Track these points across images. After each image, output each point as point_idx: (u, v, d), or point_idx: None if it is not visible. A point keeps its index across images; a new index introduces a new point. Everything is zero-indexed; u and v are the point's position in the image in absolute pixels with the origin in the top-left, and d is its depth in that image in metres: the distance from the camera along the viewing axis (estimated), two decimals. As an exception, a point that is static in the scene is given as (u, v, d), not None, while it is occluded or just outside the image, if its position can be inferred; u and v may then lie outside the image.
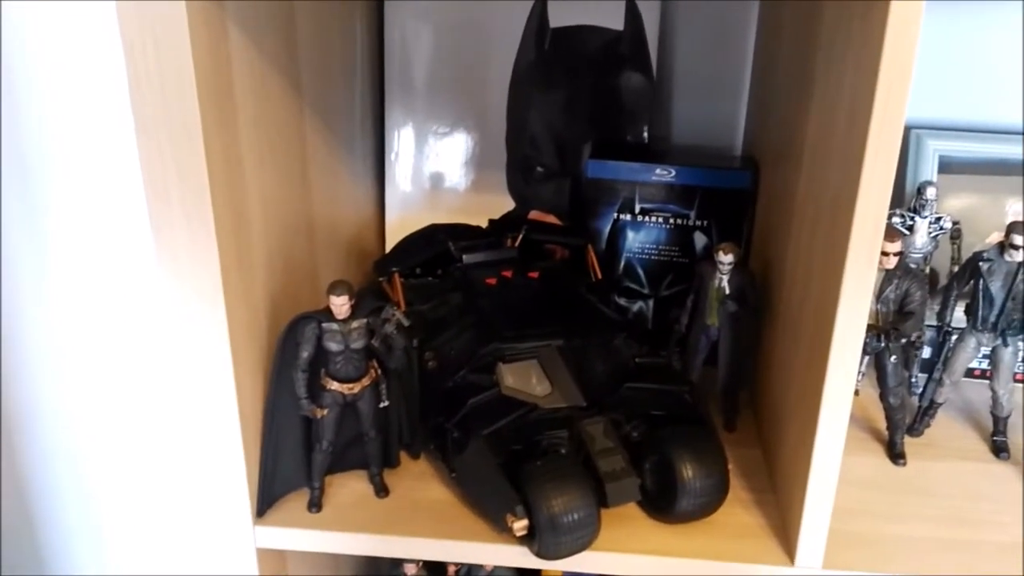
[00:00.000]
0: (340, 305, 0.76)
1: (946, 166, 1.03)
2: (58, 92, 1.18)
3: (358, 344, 0.77)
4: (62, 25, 1.15)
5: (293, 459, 0.81)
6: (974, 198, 1.03)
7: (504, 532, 0.74)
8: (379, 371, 0.81)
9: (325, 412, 0.79)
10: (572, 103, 1.09)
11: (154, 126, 0.65)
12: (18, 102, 1.19)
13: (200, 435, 0.75)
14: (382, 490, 0.83)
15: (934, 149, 1.03)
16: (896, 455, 0.88)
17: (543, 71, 1.08)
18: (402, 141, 1.13)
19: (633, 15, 1.06)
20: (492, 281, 0.93)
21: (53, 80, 1.18)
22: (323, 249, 0.94)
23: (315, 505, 0.81)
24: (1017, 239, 0.82)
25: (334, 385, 0.78)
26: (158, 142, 0.66)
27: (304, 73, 0.85)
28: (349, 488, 0.84)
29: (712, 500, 0.76)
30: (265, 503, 0.80)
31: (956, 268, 0.96)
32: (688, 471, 0.75)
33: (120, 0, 0.61)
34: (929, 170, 1.03)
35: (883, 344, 0.84)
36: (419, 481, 0.85)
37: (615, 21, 1.07)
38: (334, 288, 0.76)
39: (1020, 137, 1.04)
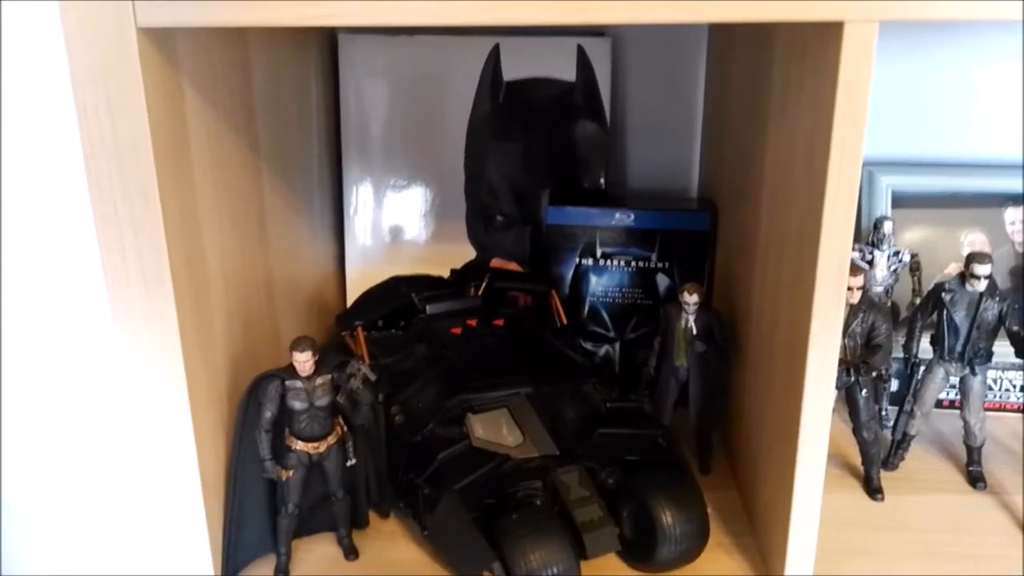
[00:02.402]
0: (304, 362, 0.74)
1: (899, 200, 1.05)
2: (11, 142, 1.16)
3: (323, 401, 0.76)
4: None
5: (258, 524, 0.79)
6: (928, 231, 1.04)
7: (482, 590, 0.72)
8: (345, 428, 0.79)
9: (290, 473, 0.76)
10: (529, 153, 1.09)
11: (109, 187, 0.64)
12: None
13: (160, 502, 0.72)
14: (351, 553, 0.80)
15: (887, 184, 1.04)
16: (873, 490, 0.88)
17: (499, 123, 1.09)
18: (360, 195, 1.12)
19: (584, 65, 1.08)
20: (457, 331, 0.92)
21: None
22: (283, 306, 0.92)
23: (282, 571, 0.78)
24: (978, 269, 0.83)
25: (299, 445, 0.76)
26: (113, 203, 0.64)
27: (260, 131, 0.84)
28: (317, 552, 0.81)
29: (693, 546, 0.75)
30: (230, 571, 0.77)
31: (918, 300, 0.97)
32: (667, 517, 0.73)
33: (73, 60, 0.60)
34: (883, 205, 1.04)
35: (853, 378, 0.84)
36: (390, 541, 0.83)
37: (567, 72, 1.08)
38: (297, 344, 0.74)
39: (970, 169, 1.06)
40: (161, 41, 0.63)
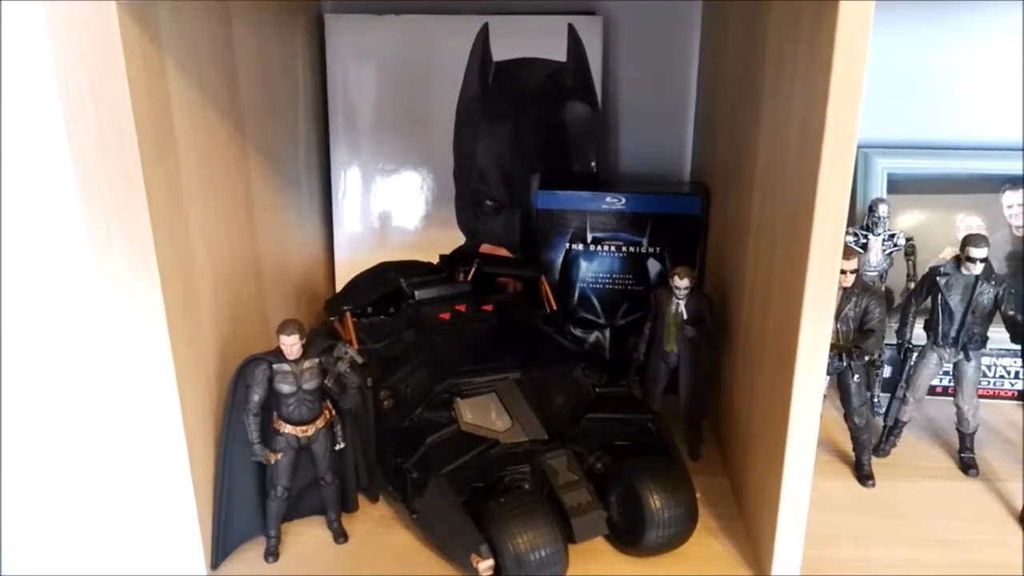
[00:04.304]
0: (291, 345, 0.73)
1: (894, 184, 1.04)
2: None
3: (311, 385, 0.75)
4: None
5: (248, 507, 0.78)
6: (924, 215, 1.04)
7: (469, 573, 0.71)
8: (333, 412, 0.78)
9: (279, 457, 0.76)
10: (518, 136, 1.08)
11: (92, 168, 0.63)
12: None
13: (150, 486, 0.72)
14: (341, 536, 0.80)
15: (883, 167, 1.03)
16: (864, 476, 0.87)
17: (488, 105, 1.08)
18: (349, 180, 1.11)
19: (575, 45, 1.07)
20: (445, 316, 0.91)
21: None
22: (271, 291, 0.91)
23: (272, 554, 0.78)
24: (974, 252, 0.82)
25: (287, 428, 0.76)
26: (97, 185, 0.63)
27: (246, 112, 0.83)
28: (307, 535, 0.81)
29: (681, 531, 0.75)
30: (220, 554, 0.77)
31: (912, 284, 0.96)
32: (656, 502, 0.73)
33: (54, 38, 0.59)
34: (878, 188, 1.03)
35: (845, 363, 0.84)
36: (379, 525, 0.82)
37: (558, 52, 1.07)
38: (284, 328, 0.73)
39: (967, 152, 1.05)
40: (142, 17, 0.62)
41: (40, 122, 1.14)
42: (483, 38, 1.06)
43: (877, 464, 0.89)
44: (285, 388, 0.74)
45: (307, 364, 0.75)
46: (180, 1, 0.62)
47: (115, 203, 0.64)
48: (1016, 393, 1.03)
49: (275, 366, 0.74)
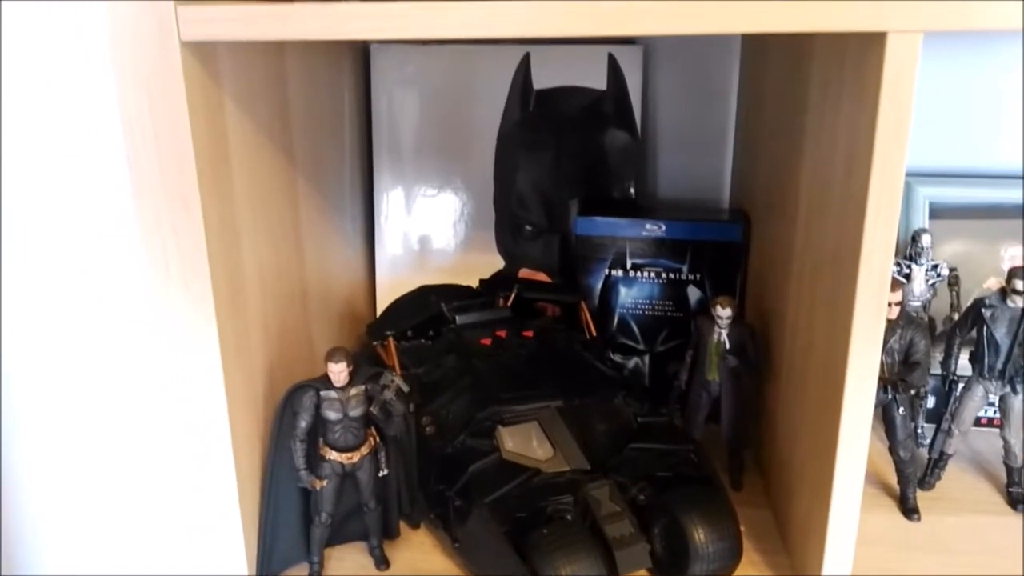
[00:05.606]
0: (339, 372, 0.74)
1: (936, 212, 1.03)
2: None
3: (357, 412, 0.76)
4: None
5: (292, 532, 0.79)
6: (967, 244, 1.03)
7: (512, 604, 0.71)
8: (377, 439, 0.79)
9: (324, 483, 0.77)
10: (558, 162, 1.09)
11: (153, 198, 0.65)
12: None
13: (198, 509, 0.73)
14: (383, 563, 0.80)
15: (924, 196, 1.03)
16: (909, 510, 0.86)
17: (529, 132, 1.09)
18: (391, 204, 1.12)
19: (615, 74, 1.07)
20: (487, 341, 0.92)
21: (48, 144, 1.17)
22: (316, 315, 0.92)
23: (315, 580, 0.78)
24: (1020, 284, 0.81)
25: (333, 455, 0.76)
26: (156, 214, 0.65)
27: (296, 141, 0.85)
28: (349, 561, 0.81)
29: (725, 565, 0.74)
30: (264, 579, 0.77)
31: (956, 315, 0.95)
32: (700, 535, 0.72)
33: (119, 73, 0.61)
34: (920, 217, 1.03)
35: (890, 396, 0.83)
36: (420, 552, 0.82)
37: (598, 80, 1.08)
38: (332, 355, 0.74)
39: (1011, 180, 1.04)
40: (203, 55, 0.63)
41: (102, 153, 1.16)
42: (524, 67, 1.07)
43: (923, 497, 0.88)
44: (331, 415, 0.75)
45: (353, 391, 0.76)
46: (238, 40, 0.63)
47: (173, 230, 0.65)
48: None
49: (322, 393, 0.75)
